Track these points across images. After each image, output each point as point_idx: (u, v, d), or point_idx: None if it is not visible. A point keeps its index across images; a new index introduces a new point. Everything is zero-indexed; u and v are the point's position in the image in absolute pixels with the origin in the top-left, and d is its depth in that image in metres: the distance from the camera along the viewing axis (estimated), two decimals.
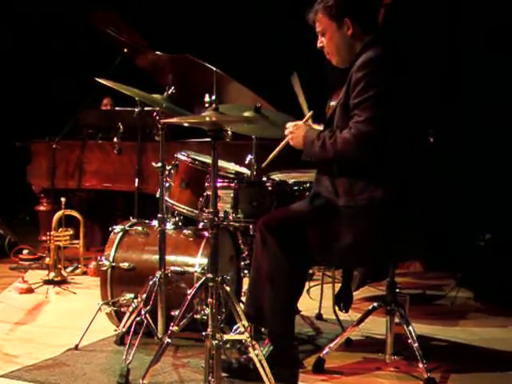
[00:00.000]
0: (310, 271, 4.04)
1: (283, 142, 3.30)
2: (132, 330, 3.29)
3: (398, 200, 2.97)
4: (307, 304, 4.12)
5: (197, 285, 2.94)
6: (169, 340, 2.89)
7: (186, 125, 3.09)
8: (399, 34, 3.60)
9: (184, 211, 3.61)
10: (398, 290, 3.28)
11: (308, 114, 3.30)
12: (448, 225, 5.09)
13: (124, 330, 3.45)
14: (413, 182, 3.05)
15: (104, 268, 3.66)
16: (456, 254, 4.90)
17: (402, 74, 3.02)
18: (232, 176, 3.59)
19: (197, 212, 3.54)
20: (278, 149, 3.37)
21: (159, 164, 3.38)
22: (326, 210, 3.02)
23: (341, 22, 3.07)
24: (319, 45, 3.17)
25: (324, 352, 3.23)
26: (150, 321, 3.29)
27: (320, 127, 3.24)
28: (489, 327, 4.01)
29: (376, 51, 2.98)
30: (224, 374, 2.98)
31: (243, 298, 3.54)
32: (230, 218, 3.39)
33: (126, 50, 5.63)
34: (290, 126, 3.21)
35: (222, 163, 3.69)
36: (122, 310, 3.58)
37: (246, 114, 3.45)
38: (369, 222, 2.95)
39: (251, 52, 6.55)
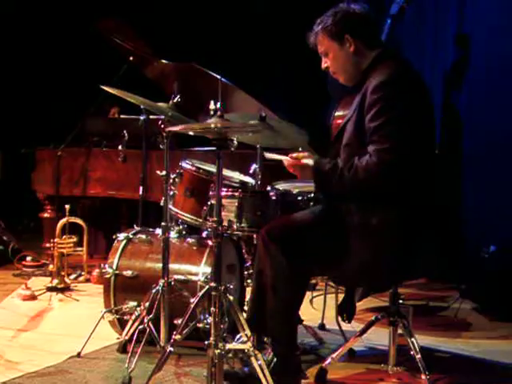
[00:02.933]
0: (314, 281, 4.04)
1: (283, 158, 3.14)
2: (134, 338, 3.29)
3: (412, 220, 2.93)
4: (310, 314, 4.11)
5: (200, 293, 2.95)
6: (171, 348, 2.89)
7: (191, 133, 3.09)
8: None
9: (188, 220, 3.62)
10: (401, 301, 3.27)
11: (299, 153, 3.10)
12: (452, 237, 5.07)
13: (126, 337, 3.45)
14: (427, 199, 3.00)
15: (107, 276, 3.67)
16: (460, 265, 4.88)
17: (416, 91, 2.98)
18: (236, 185, 3.60)
19: (201, 221, 3.55)
20: (279, 158, 3.25)
21: (164, 172, 3.39)
22: (337, 227, 2.96)
23: (342, 40, 3.05)
24: (324, 65, 3.15)
25: (326, 362, 3.23)
26: (153, 329, 3.29)
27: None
28: (492, 339, 3.99)
29: (389, 70, 2.94)
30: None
31: (246, 307, 3.54)
32: (234, 227, 3.39)
33: (131, 58, 5.64)
34: (294, 160, 3.08)
35: (226, 172, 3.69)
36: (125, 317, 3.58)
37: (251, 123, 3.45)
38: (383, 241, 2.90)
39: (257, 61, 6.56)
